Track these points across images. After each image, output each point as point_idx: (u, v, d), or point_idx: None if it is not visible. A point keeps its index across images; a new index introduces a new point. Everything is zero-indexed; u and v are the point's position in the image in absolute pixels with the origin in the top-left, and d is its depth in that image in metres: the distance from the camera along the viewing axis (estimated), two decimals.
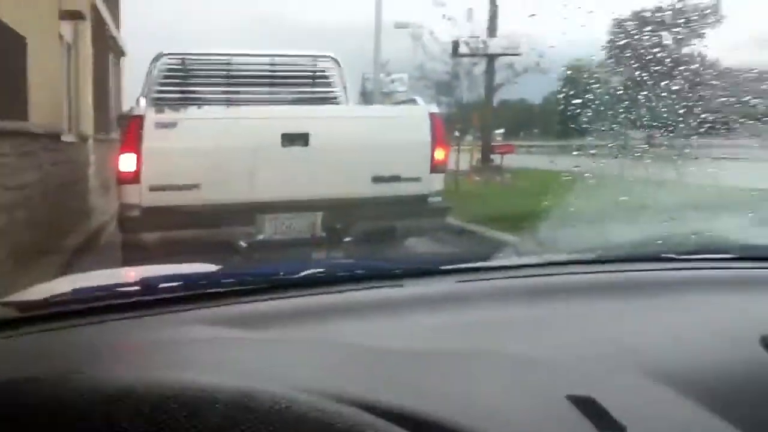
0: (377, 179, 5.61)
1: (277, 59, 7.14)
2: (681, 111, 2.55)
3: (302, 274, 1.31)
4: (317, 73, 7.24)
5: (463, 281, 1.36)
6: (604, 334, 1.16)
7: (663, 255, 1.62)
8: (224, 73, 7.03)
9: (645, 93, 2.75)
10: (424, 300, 1.24)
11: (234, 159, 5.23)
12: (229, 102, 6.65)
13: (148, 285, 1.15)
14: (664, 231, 1.65)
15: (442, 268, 1.41)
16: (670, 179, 2.57)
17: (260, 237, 5.37)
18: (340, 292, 1.25)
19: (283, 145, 5.32)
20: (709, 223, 2.24)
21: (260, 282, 1.26)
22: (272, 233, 5.41)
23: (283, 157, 5.34)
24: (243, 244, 5.24)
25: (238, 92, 6.95)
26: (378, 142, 5.64)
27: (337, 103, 7.08)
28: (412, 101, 6.62)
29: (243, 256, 5.18)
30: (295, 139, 5.36)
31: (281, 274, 1.36)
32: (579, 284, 1.39)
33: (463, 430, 0.64)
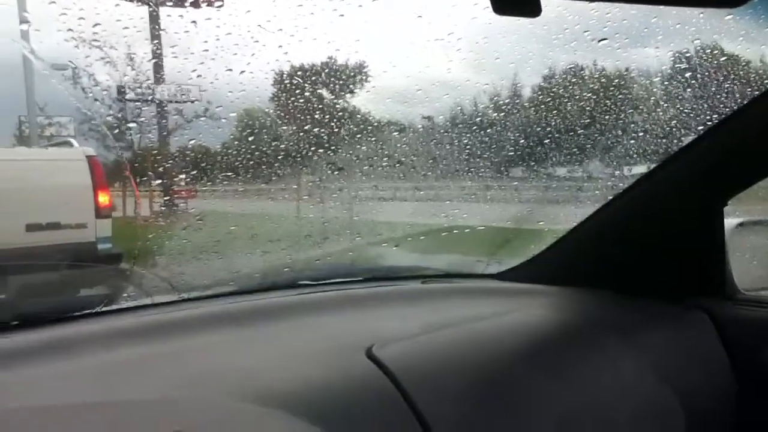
0: (32, 227, 5.11)
1: None
2: (335, 162, 2.86)
3: None
4: None
5: (73, 327, 1.29)
6: (219, 364, 1.18)
7: (292, 282, 1.76)
8: None
9: (301, 146, 3.02)
10: (27, 350, 1.16)
11: None
12: None
13: None
14: (295, 259, 1.82)
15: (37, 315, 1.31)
16: (332, 218, 2.85)
17: None
18: None
19: None
20: (361, 251, 2.53)
21: None
22: None
23: None
24: None
25: None
26: (29, 186, 5.15)
27: None
28: (67, 143, 6.21)
29: None
30: None
31: None
32: (199, 317, 1.41)
33: None
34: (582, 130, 2.91)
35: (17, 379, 1.06)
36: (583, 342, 1.57)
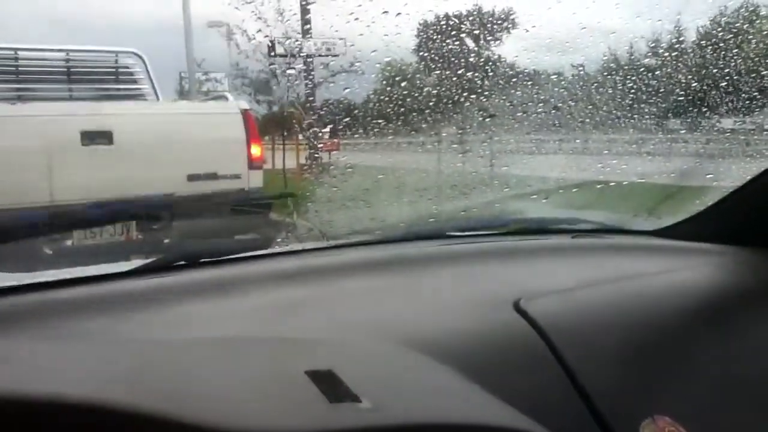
0: (193, 177, 5.46)
1: (73, 54, 6.70)
2: (486, 109, 2.77)
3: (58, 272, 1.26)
4: (120, 69, 6.89)
5: (235, 268, 1.35)
6: (367, 310, 1.20)
7: (439, 232, 1.73)
8: (11, 68, 6.46)
9: (452, 91, 2.96)
10: (194, 289, 1.22)
11: (28, 159, 4.84)
12: (18, 99, 6.12)
13: None
14: (441, 210, 1.79)
15: (208, 259, 1.37)
16: (479, 169, 2.79)
17: (68, 243, 5.00)
18: (110, 282, 1.21)
19: (83, 143, 5.01)
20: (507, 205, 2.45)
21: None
22: (82, 238, 5.07)
23: (84, 157, 5.02)
24: (48, 251, 4.85)
25: (29, 89, 6.41)
26: (190, 139, 5.50)
27: (144, 100, 6.79)
28: (223, 98, 6.54)
29: (49, 266, 4.78)
30: (96, 137, 5.07)
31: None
32: (348, 264, 1.43)
33: (181, 420, 0.63)
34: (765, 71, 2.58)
35: (181, 315, 1.13)
36: (755, 305, 1.45)
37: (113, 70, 6.88)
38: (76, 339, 1.00)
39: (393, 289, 1.33)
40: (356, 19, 2.42)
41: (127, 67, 6.91)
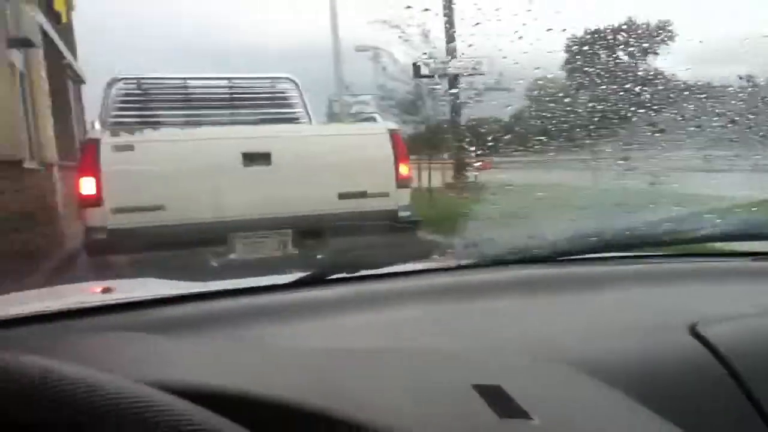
0: (344, 195, 5.66)
1: (235, 81, 7.24)
2: (645, 125, 2.64)
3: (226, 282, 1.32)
4: (276, 94, 7.32)
5: (389, 283, 1.35)
6: (531, 327, 1.17)
7: (605, 251, 1.65)
8: (182, 96, 7.08)
9: (605, 107, 2.84)
10: (348, 301, 1.24)
11: (196, 179, 5.25)
12: (188, 124, 6.68)
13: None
14: (606, 228, 1.70)
15: (363, 273, 1.38)
16: (646, 186, 2.65)
17: (232, 256, 5.37)
18: (269, 293, 1.26)
19: (245, 164, 5.36)
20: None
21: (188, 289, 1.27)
22: (244, 253, 5.42)
23: (245, 176, 5.35)
24: (214, 264, 5.23)
25: (197, 115, 6.98)
26: (341, 160, 5.70)
27: (299, 123, 7.15)
28: (371, 119, 6.74)
29: (215, 277, 5.14)
30: (256, 158, 5.39)
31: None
32: (508, 282, 1.40)
33: (362, 423, 0.64)
34: None
35: (340, 325, 1.14)
36: None
37: (270, 95, 7.31)
38: (247, 344, 1.03)
39: (557, 309, 1.27)
40: (520, 37, 2.38)
41: (283, 92, 7.33)
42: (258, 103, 7.23)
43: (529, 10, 2.40)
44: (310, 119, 7.31)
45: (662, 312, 1.26)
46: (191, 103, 7.08)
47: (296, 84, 7.38)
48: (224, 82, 7.27)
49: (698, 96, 2.58)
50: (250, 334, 1.08)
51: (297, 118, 7.20)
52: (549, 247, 1.63)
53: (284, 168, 5.46)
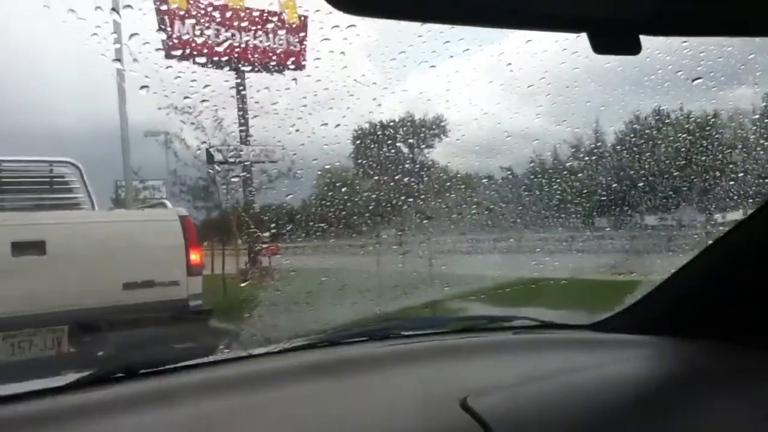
0: (129, 285, 5.33)
1: (5, 165, 6.60)
2: (423, 211, 2.87)
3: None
4: (55, 179, 6.81)
5: (175, 378, 1.33)
6: (313, 414, 1.20)
7: (384, 333, 1.74)
8: None
9: (390, 195, 3.05)
10: (131, 400, 1.19)
11: None
12: None
13: None
14: (384, 311, 1.82)
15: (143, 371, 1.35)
16: (419, 269, 2.83)
17: None
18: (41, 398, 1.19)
19: (14, 254, 4.86)
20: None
21: None
22: (9, 354, 4.81)
23: (14, 268, 4.85)
24: None
25: None
26: (127, 247, 5.40)
27: (80, 209, 6.68)
28: (162, 204, 6.52)
29: None
30: (27, 248, 4.93)
31: None
32: (292, 368, 1.42)
33: None
34: (677, 173, 2.80)
35: (120, 429, 1.10)
36: (689, 395, 1.48)
37: (48, 179, 6.78)
38: None
39: (339, 392, 1.32)
40: (297, 130, 2.53)
41: (63, 177, 6.84)
42: (32, 188, 6.67)
43: (305, 106, 2.57)
44: (93, 205, 6.87)
45: (436, 388, 1.35)
46: None
47: (78, 168, 6.93)
48: None
49: (461, 186, 2.92)
50: None
51: (78, 204, 6.73)
52: (332, 332, 1.71)
53: (61, 258, 5.03)
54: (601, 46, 0.81)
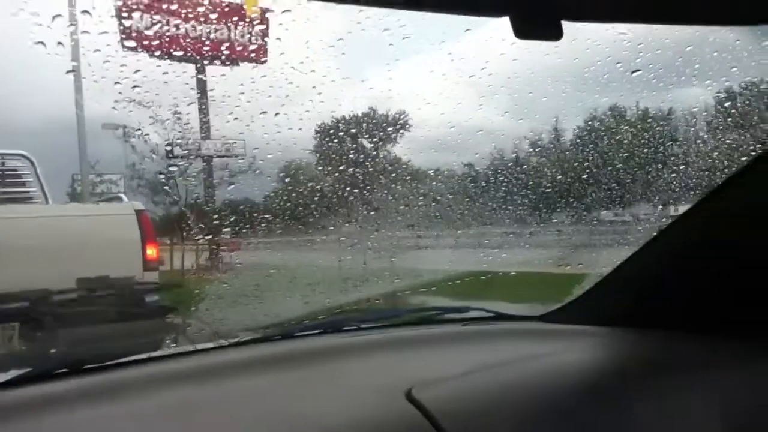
0: (82, 281, 5.24)
1: None
2: (370, 203, 2.88)
3: None
4: (6, 172, 6.66)
5: (124, 372, 1.32)
6: (260, 407, 1.20)
7: (331, 326, 1.75)
8: None
9: (336, 187, 3.05)
10: (79, 396, 1.19)
11: None
12: None
13: None
14: (334, 303, 1.83)
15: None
16: (369, 262, 2.85)
17: None
18: None
19: None
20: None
21: None
22: None
23: None
24: None
25: None
26: (80, 242, 5.30)
27: (33, 203, 6.55)
28: (117, 199, 6.42)
29: None
30: None
31: None
32: (240, 362, 1.42)
33: None
34: (621, 165, 2.87)
35: (67, 424, 1.10)
36: (637, 384, 1.49)
37: None
38: None
39: (286, 385, 1.33)
40: (254, 122, 2.52)
41: (15, 170, 6.70)
42: None
43: (269, 96, 2.57)
44: (46, 199, 6.73)
45: (382, 379, 1.35)
46: None
47: (31, 161, 6.78)
48: None
49: (407, 178, 2.96)
50: None
51: (31, 198, 6.59)
52: (280, 325, 1.71)
53: (12, 252, 4.92)
54: (522, 31, 0.81)
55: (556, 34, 0.81)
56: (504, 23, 0.80)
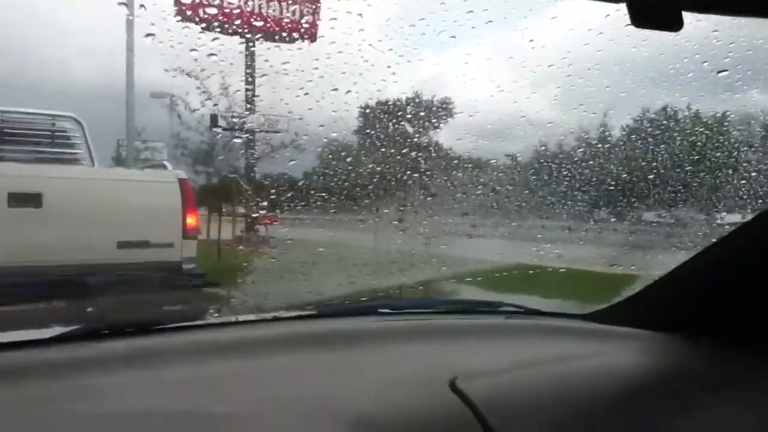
0: (123, 244, 5.31)
1: (6, 116, 6.54)
2: (428, 188, 2.83)
3: None
4: (56, 133, 6.76)
5: (163, 338, 1.32)
6: (298, 386, 1.19)
7: (375, 309, 1.73)
8: None
9: (395, 170, 3.01)
10: (117, 358, 1.18)
11: None
12: None
13: None
14: (375, 286, 1.80)
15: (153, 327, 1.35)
16: (418, 247, 2.82)
17: None
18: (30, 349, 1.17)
19: (10, 205, 4.83)
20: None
21: None
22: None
23: (10, 219, 4.82)
24: None
25: None
26: (124, 206, 5.37)
27: (80, 165, 6.65)
28: (162, 166, 6.48)
29: None
30: (24, 200, 4.89)
31: None
32: (281, 338, 1.41)
33: None
34: (690, 167, 2.75)
35: (104, 385, 1.09)
36: (683, 393, 1.46)
37: (49, 133, 6.74)
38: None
39: (326, 365, 1.31)
40: (306, 93, 2.47)
41: (65, 131, 6.80)
42: (33, 140, 6.62)
43: (316, 69, 2.52)
44: (93, 162, 6.83)
45: (424, 368, 1.33)
46: None
47: (80, 124, 6.88)
48: None
49: (468, 166, 2.88)
50: (18, 393, 1.00)
51: (78, 160, 6.69)
52: (324, 304, 1.68)
53: (57, 212, 5.01)
54: (640, 18, 0.76)
55: (676, 24, 0.75)
56: (603, 9, 0.74)
